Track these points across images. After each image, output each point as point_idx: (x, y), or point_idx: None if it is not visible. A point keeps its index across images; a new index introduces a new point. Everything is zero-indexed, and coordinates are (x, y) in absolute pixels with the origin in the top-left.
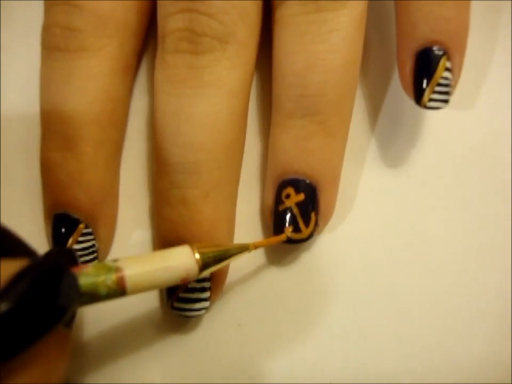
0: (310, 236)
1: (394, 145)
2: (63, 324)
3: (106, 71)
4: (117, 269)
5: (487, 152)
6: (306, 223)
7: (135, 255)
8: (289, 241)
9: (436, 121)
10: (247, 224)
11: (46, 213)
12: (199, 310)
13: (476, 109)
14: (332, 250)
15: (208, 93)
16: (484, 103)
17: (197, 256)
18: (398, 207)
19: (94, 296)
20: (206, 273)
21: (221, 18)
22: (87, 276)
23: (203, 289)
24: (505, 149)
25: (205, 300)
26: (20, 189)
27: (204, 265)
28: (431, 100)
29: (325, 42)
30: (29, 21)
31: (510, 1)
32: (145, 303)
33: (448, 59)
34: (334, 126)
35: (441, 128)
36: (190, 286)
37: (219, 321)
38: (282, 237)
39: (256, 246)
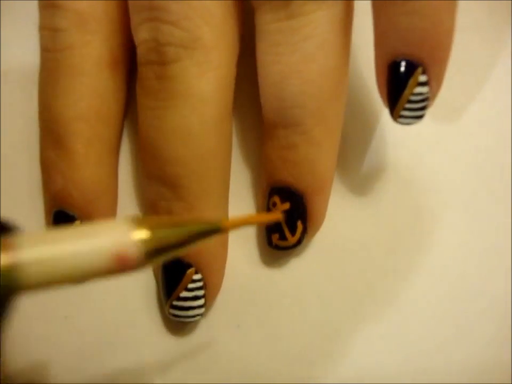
0: (297, 244)
1: (395, 148)
2: None
3: (92, 67)
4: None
5: (490, 157)
6: (292, 232)
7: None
8: (277, 247)
9: (437, 124)
10: (243, 231)
11: (46, 210)
12: (193, 316)
13: (478, 112)
14: (330, 252)
15: (178, 105)
16: (486, 106)
17: (141, 235)
18: (399, 210)
19: None
20: (158, 261)
21: (183, 24)
22: None
23: (195, 298)
24: (509, 153)
25: (199, 307)
26: (22, 188)
27: (154, 250)
28: (401, 116)
29: (298, 52)
30: (29, 21)
31: (510, 1)
32: (145, 303)
33: (424, 72)
34: (318, 135)
35: (443, 131)
36: (181, 295)
37: (218, 322)
38: (275, 216)
39: (231, 226)
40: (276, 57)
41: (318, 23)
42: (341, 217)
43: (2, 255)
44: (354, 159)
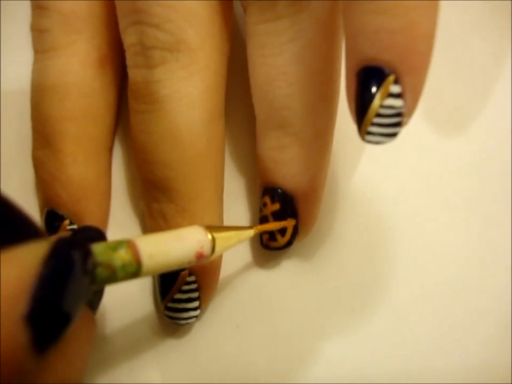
0: (288, 245)
1: (394, 148)
2: (89, 306)
3: (77, 66)
4: (128, 241)
5: (490, 157)
6: (282, 233)
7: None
8: (267, 247)
9: (438, 125)
10: None
11: (40, 209)
12: (187, 318)
13: (478, 111)
14: (329, 252)
15: (165, 108)
16: (487, 105)
17: (209, 235)
18: (399, 211)
19: (109, 267)
20: (220, 251)
21: (166, 27)
22: (99, 246)
23: (189, 300)
24: (509, 153)
25: (193, 309)
26: (20, 186)
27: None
28: (369, 133)
29: (284, 54)
30: (29, 21)
31: (510, 1)
32: (144, 303)
33: (397, 81)
34: (308, 137)
35: (444, 132)
36: (175, 297)
37: (217, 323)
38: (287, 222)
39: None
40: (262, 59)
41: (303, 25)
42: (339, 217)
43: (130, 252)
44: (350, 160)
